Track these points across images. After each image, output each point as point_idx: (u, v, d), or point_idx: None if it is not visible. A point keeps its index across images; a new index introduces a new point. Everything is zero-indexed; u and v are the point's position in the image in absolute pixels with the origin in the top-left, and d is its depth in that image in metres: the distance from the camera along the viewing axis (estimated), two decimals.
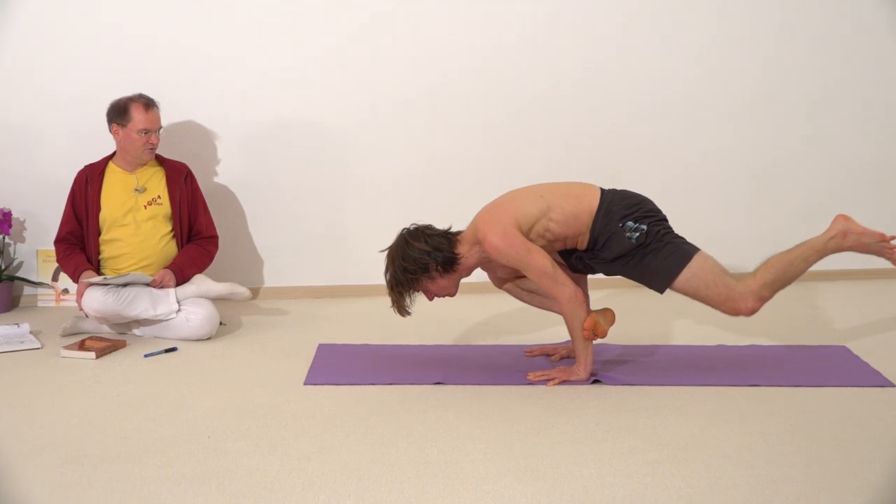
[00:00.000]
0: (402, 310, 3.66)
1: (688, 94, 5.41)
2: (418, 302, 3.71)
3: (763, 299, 3.69)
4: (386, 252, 3.66)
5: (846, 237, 3.78)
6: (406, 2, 5.18)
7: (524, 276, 3.86)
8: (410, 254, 3.58)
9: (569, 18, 5.27)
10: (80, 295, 4.38)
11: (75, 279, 4.49)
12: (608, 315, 3.83)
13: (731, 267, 3.77)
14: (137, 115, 4.49)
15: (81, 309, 4.39)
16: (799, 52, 5.44)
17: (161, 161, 4.70)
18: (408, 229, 3.66)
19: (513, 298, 4.09)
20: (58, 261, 4.63)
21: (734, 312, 3.69)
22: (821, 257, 3.79)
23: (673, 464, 2.91)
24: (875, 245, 3.80)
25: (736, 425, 3.23)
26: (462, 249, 3.64)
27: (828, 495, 2.68)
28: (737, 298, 3.65)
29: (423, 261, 3.57)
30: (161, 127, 4.60)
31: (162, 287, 4.43)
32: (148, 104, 4.53)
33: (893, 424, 3.23)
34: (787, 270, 3.73)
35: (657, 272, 3.68)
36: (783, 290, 3.76)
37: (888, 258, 3.82)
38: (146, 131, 4.51)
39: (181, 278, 4.51)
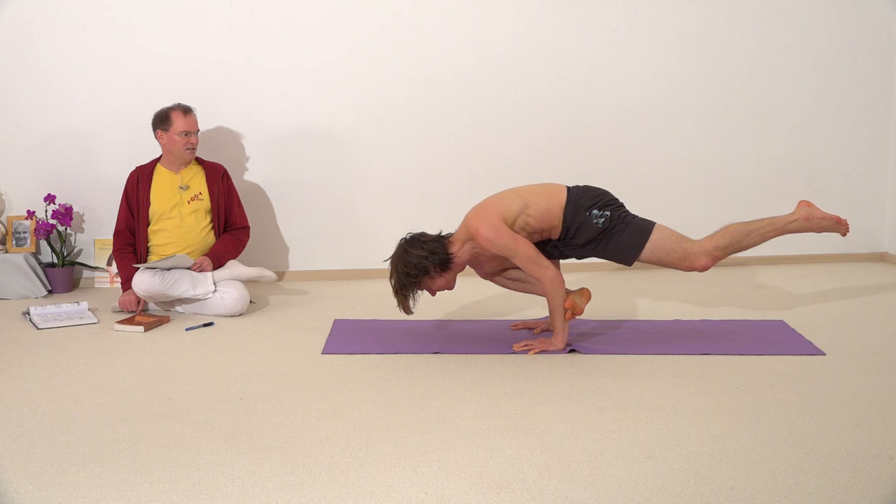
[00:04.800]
0: (406, 309, 3.64)
1: (649, 105, 5.41)
2: (423, 292, 3.69)
3: (715, 258, 3.70)
4: (389, 261, 3.64)
5: (809, 221, 3.83)
6: (399, 32, 5.17)
7: (507, 269, 3.87)
8: (410, 260, 3.55)
9: (545, 42, 5.27)
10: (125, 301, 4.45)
11: (123, 288, 4.52)
12: (584, 293, 3.82)
13: None
14: (178, 120, 4.47)
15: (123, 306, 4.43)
16: (742, 74, 5.46)
17: (201, 162, 4.68)
18: (405, 239, 3.63)
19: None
20: (114, 252, 4.62)
21: (690, 269, 3.71)
22: (778, 235, 3.82)
23: (636, 421, 2.90)
24: (832, 227, 3.87)
25: (690, 388, 3.23)
26: (455, 249, 3.62)
27: (767, 447, 2.68)
28: (692, 259, 3.67)
29: (422, 265, 3.55)
30: (199, 130, 4.58)
31: (201, 271, 4.42)
32: (186, 110, 4.52)
33: (823, 387, 3.23)
34: (742, 239, 3.73)
35: (625, 249, 3.68)
36: (734, 254, 3.78)
37: (841, 233, 3.92)
38: (186, 133, 4.49)
39: (217, 264, 4.49)
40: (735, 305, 4.50)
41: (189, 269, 4.41)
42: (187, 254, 4.51)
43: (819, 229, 3.86)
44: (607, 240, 3.66)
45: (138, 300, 4.42)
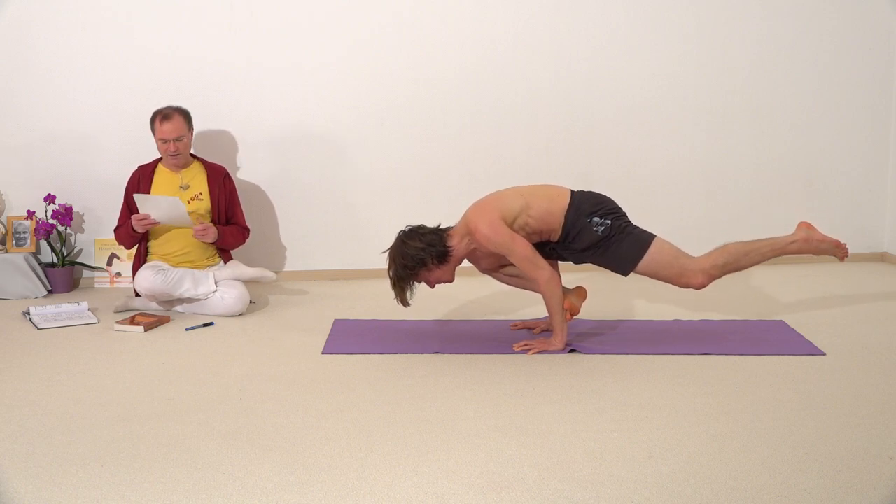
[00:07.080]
0: (404, 302, 3.65)
1: (649, 105, 5.41)
2: (421, 285, 3.70)
3: (712, 277, 3.70)
4: (387, 253, 3.64)
5: (808, 243, 3.83)
6: (399, 32, 5.17)
7: (506, 266, 3.87)
8: (408, 252, 3.55)
9: (545, 42, 5.27)
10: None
11: (119, 226, 4.56)
12: (580, 292, 3.81)
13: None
14: (156, 127, 4.47)
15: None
16: (742, 74, 5.45)
17: (203, 163, 4.68)
18: (403, 231, 3.64)
19: (497, 282, 4.08)
20: (116, 240, 4.65)
21: (686, 286, 3.71)
22: (776, 256, 3.82)
23: (636, 421, 2.90)
24: (831, 249, 3.86)
25: (690, 388, 3.23)
26: (453, 242, 3.62)
27: (767, 447, 2.68)
28: (689, 276, 3.67)
29: (419, 256, 3.55)
30: (179, 137, 4.47)
31: (203, 236, 4.43)
32: (165, 117, 4.45)
33: (823, 387, 3.23)
34: (740, 259, 3.73)
35: (622, 259, 3.67)
36: (731, 273, 3.77)
37: (839, 258, 3.90)
38: (164, 140, 4.47)
39: (220, 241, 4.53)
40: (735, 305, 4.51)
41: (193, 233, 4.45)
42: (186, 252, 4.53)
43: (818, 252, 3.86)
44: (605, 248, 3.66)
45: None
